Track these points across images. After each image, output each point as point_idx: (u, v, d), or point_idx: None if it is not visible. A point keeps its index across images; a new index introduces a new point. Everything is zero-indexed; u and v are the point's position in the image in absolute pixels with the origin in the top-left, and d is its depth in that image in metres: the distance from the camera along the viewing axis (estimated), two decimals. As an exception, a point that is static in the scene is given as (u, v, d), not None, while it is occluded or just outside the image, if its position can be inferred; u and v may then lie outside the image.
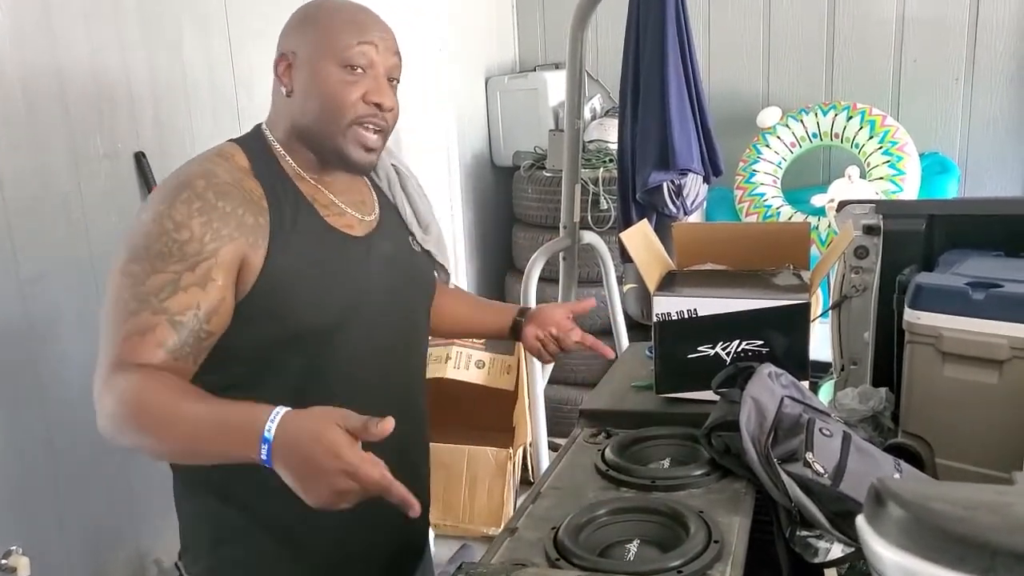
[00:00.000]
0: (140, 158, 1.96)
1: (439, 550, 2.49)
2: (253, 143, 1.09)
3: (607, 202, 3.07)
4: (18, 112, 1.70)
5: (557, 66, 3.65)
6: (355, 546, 1.13)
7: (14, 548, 1.69)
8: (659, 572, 0.81)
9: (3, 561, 1.69)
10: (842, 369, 1.66)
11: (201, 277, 0.96)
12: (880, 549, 0.42)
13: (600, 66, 3.67)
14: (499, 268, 3.74)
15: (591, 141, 3.38)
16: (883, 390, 1.40)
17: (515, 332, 1.36)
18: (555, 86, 3.52)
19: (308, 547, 1.12)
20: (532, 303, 2.58)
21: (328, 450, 0.81)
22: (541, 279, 2.66)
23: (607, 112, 3.58)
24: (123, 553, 2.00)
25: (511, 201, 3.57)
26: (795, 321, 1.17)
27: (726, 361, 1.18)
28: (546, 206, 3.29)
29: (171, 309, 0.95)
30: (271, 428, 0.83)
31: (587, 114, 3.49)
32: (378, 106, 1.06)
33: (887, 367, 1.43)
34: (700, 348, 1.20)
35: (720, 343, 1.19)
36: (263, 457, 0.83)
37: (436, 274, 1.27)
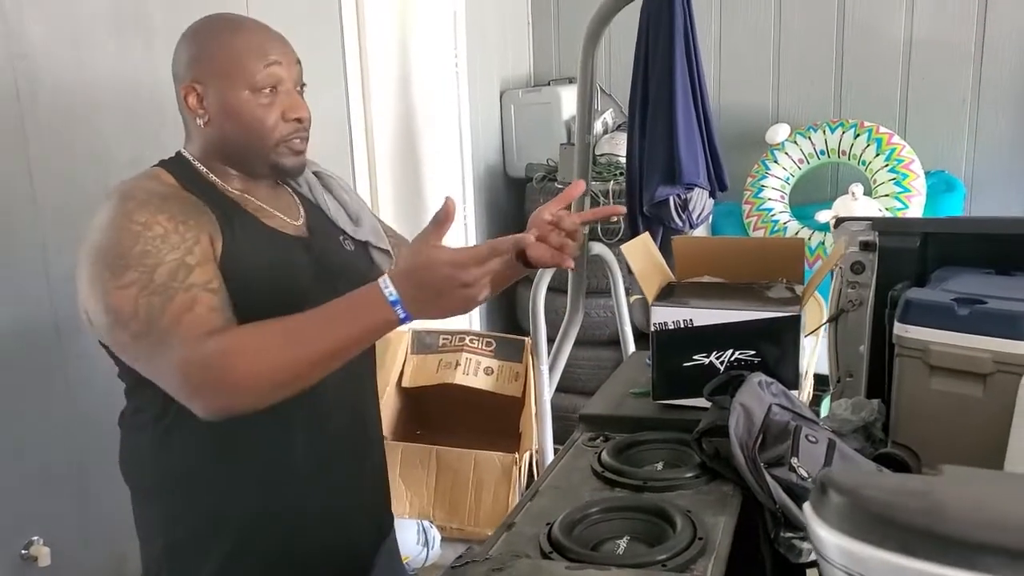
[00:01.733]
0: (164, 166, 2.05)
1: (445, 551, 2.54)
2: (175, 165, 1.12)
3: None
4: (50, 120, 1.78)
5: (570, 80, 3.72)
6: (307, 542, 1.16)
7: (35, 538, 1.77)
8: (644, 565, 0.86)
9: (24, 551, 1.76)
10: (838, 381, 1.71)
11: (202, 255, 0.99)
12: (822, 532, 0.47)
13: (613, 81, 3.74)
14: (510, 278, 3.80)
15: (602, 155, 3.44)
16: (875, 401, 1.45)
17: (520, 257, 1.22)
18: (568, 100, 3.59)
19: (261, 545, 1.14)
20: (540, 313, 2.64)
21: (445, 266, 0.89)
22: (550, 289, 2.72)
23: (618, 126, 3.64)
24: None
25: (523, 212, 3.64)
26: (786, 332, 1.22)
27: (720, 370, 1.23)
28: (557, 217, 3.34)
29: (198, 282, 0.96)
30: (388, 286, 0.91)
31: (599, 128, 3.55)
32: (298, 120, 1.11)
33: (881, 379, 1.47)
34: (695, 357, 1.25)
35: (714, 352, 1.24)
36: (401, 315, 0.91)
37: (376, 264, 1.26)
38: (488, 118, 3.73)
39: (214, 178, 1.12)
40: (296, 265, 1.11)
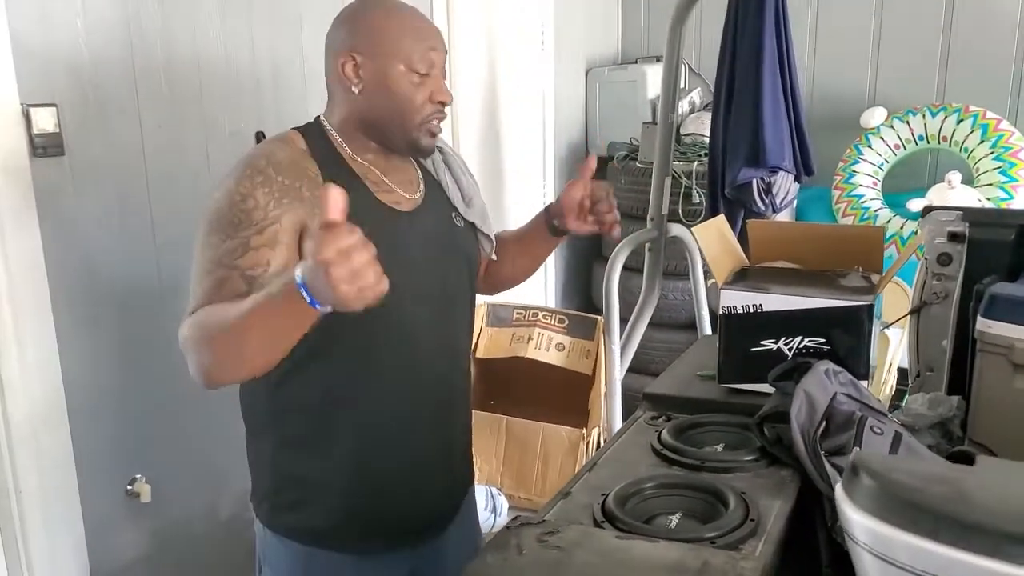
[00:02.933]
0: (260, 136, 2.16)
1: (512, 518, 2.61)
2: (311, 129, 1.21)
3: (699, 196, 3.08)
4: (162, 94, 1.91)
5: (658, 59, 3.66)
6: (401, 487, 1.25)
7: (138, 476, 1.94)
8: (693, 540, 0.88)
9: (129, 487, 1.93)
10: (917, 375, 1.65)
11: (269, 239, 1.07)
12: (851, 513, 0.48)
13: (702, 59, 3.66)
14: (587, 256, 3.81)
15: (687, 134, 3.39)
16: (955, 398, 1.40)
17: (557, 231, 1.37)
18: (654, 79, 3.54)
19: (361, 492, 1.24)
20: (614, 293, 2.64)
21: (315, 257, 0.86)
22: (626, 268, 2.71)
23: (706, 106, 3.57)
24: (232, 490, 2.21)
25: (603, 191, 3.62)
26: (857, 322, 1.20)
27: (788, 356, 1.22)
28: (639, 197, 3.32)
29: (243, 265, 1.06)
30: (299, 273, 0.89)
31: (685, 107, 3.49)
32: (442, 103, 1.19)
33: (963, 376, 1.42)
34: (763, 342, 1.24)
35: (783, 338, 1.23)
36: (309, 301, 0.90)
37: (480, 244, 1.35)
38: (572, 96, 3.73)
39: (344, 147, 1.20)
40: (400, 240, 1.17)
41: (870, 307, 1.21)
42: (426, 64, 1.17)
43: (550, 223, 1.37)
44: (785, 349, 1.24)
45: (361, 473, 1.23)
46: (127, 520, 1.94)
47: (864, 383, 1.19)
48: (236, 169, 1.12)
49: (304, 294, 0.89)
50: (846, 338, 1.21)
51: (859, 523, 0.48)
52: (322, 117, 1.23)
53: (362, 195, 1.17)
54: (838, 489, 0.53)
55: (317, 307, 0.90)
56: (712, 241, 1.37)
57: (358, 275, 0.86)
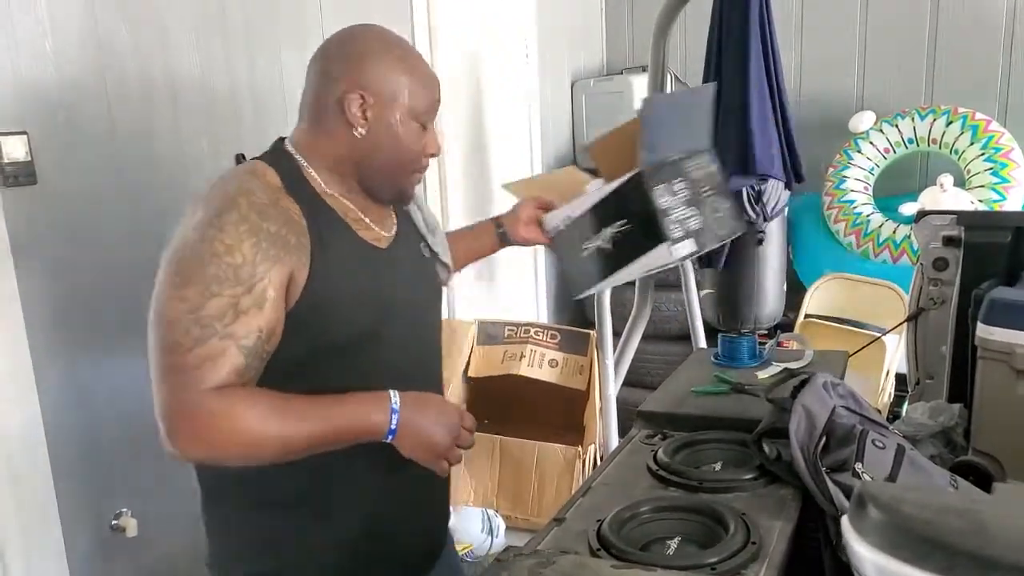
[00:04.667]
0: (240, 159, 2.12)
1: (509, 540, 2.56)
2: (281, 162, 1.10)
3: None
4: (136, 118, 1.88)
5: (644, 69, 3.65)
6: (384, 527, 1.18)
7: (124, 510, 1.88)
8: (693, 568, 0.85)
9: (114, 521, 1.88)
10: (917, 383, 1.62)
11: (258, 299, 0.99)
12: (859, 548, 0.45)
13: (687, 68, 3.65)
14: (579, 269, 3.78)
15: (675, 144, 3.37)
16: (956, 406, 1.37)
17: (505, 242, 1.49)
18: (641, 89, 3.52)
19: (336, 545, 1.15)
20: (606, 306, 2.61)
21: (451, 416, 1.10)
22: (618, 282, 2.68)
23: (693, 115, 3.55)
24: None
25: (593, 203, 3.60)
26: (639, 190, 1.24)
27: (611, 248, 1.29)
28: (628, 209, 3.30)
29: (237, 334, 0.97)
30: (395, 399, 1.05)
31: (672, 117, 3.47)
32: (433, 155, 1.18)
33: (964, 383, 1.39)
34: (585, 245, 1.32)
35: (596, 236, 1.30)
36: (392, 427, 1.04)
37: (439, 274, 1.32)
38: (559, 108, 3.71)
39: (320, 184, 1.11)
40: (383, 277, 1.14)
41: (640, 174, 1.24)
42: (430, 116, 1.15)
43: (499, 232, 1.47)
44: (605, 244, 1.29)
45: (341, 511, 1.15)
46: (112, 555, 1.88)
47: (856, 391, 1.15)
48: (214, 212, 1.01)
49: (388, 439, 1.06)
50: (636, 209, 1.24)
51: (868, 559, 0.45)
52: (289, 146, 1.13)
53: (345, 235, 1.11)
54: (845, 522, 0.49)
55: (387, 437, 1.06)
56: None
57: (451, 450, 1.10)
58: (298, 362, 1.05)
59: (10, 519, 1.64)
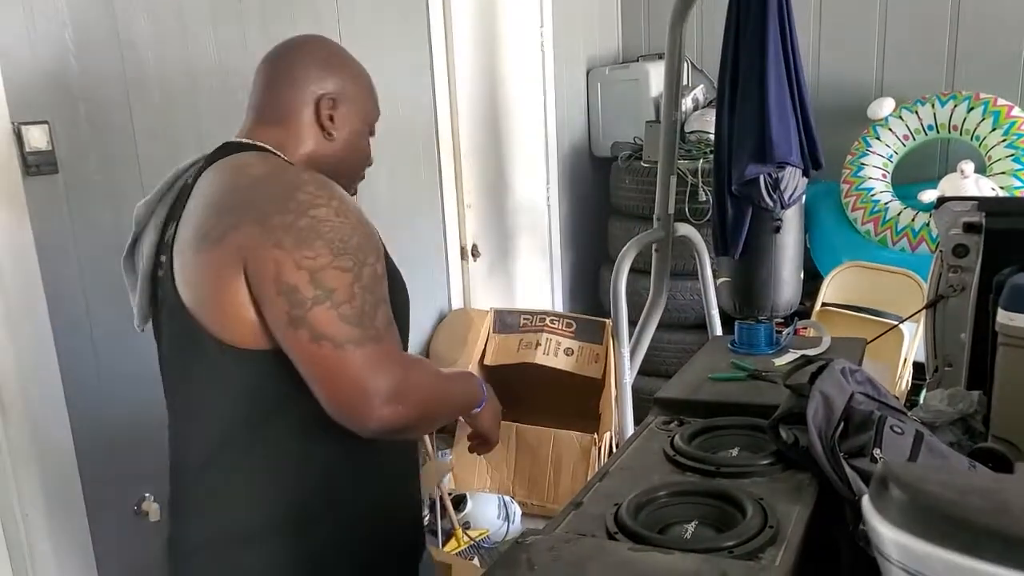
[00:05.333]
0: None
1: (524, 525, 2.58)
2: (270, 157, 1.10)
3: (705, 194, 3.04)
4: (155, 106, 1.90)
5: (660, 56, 3.63)
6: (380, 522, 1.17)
7: (147, 495, 1.91)
8: (711, 550, 0.85)
9: (137, 507, 1.91)
10: (935, 370, 1.61)
11: (383, 265, 1.02)
12: (880, 527, 0.45)
13: (704, 56, 3.62)
14: (594, 259, 3.77)
15: (692, 132, 3.35)
16: (975, 393, 1.36)
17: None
18: (657, 77, 3.50)
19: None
20: (622, 295, 2.61)
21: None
22: (635, 270, 2.67)
23: (709, 103, 3.53)
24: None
25: (608, 192, 3.59)
26: None
27: None
28: (643, 197, 3.29)
29: (387, 296, 1.01)
30: (479, 379, 1.22)
31: (689, 104, 3.45)
32: (369, 164, 1.24)
33: (983, 370, 1.38)
34: None
35: None
36: (483, 398, 1.21)
37: None
38: (574, 96, 3.70)
39: None
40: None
41: None
42: (373, 129, 1.22)
43: None
44: None
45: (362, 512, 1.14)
46: (136, 539, 1.92)
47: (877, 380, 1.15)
48: (325, 193, 1.00)
49: (477, 409, 1.21)
50: None
51: (891, 539, 0.45)
52: (255, 141, 1.11)
53: None
54: (865, 502, 0.49)
55: (474, 412, 1.22)
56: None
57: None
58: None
59: (36, 503, 1.68)
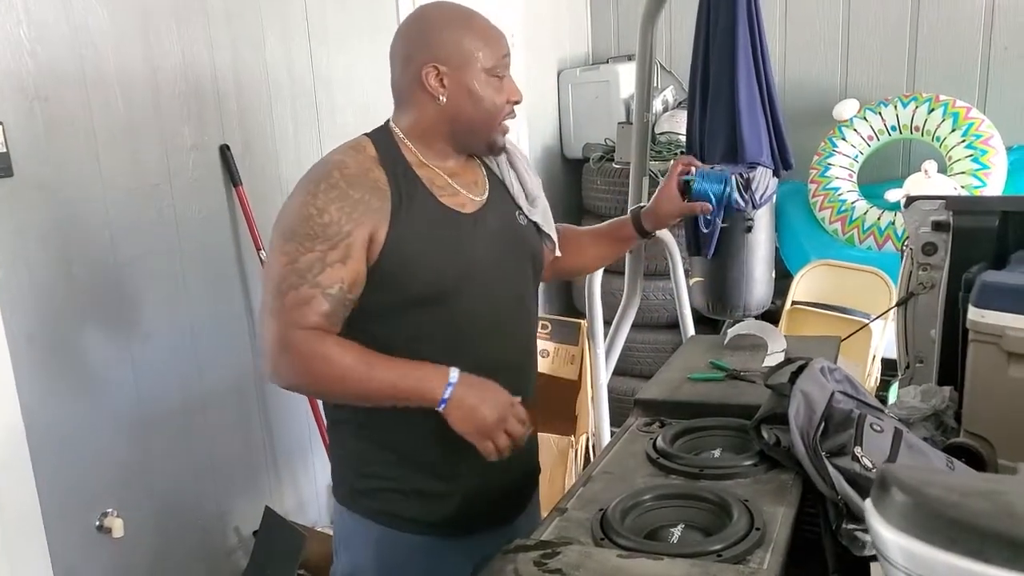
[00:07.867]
0: (225, 150, 2.09)
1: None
2: (381, 136, 1.26)
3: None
4: (117, 107, 1.84)
5: (630, 58, 3.64)
6: (482, 481, 1.27)
7: (110, 511, 1.85)
8: (698, 555, 0.84)
9: (99, 523, 1.85)
10: (907, 367, 1.63)
11: (342, 254, 1.15)
12: (883, 531, 0.44)
13: (673, 58, 3.65)
14: (566, 259, 3.77)
15: (662, 133, 3.37)
16: (947, 389, 1.38)
17: (646, 234, 1.53)
18: (627, 78, 3.52)
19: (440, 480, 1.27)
20: (596, 296, 2.61)
21: (503, 401, 1.16)
22: (607, 271, 2.67)
23: (679, 104, 3.55)
24: (205, 519, 2.14)
25: (580, 193, 3.59)
26: None
27: None
28: (615, 198, 3.30)
29: (323, 283, 1.14)
30: (454, 375, 1.14)
31: (659, 106, 3.47)
32: (517, 102, 1.28)
33: (954, 366, 1.40)
34: None
35: None
36: (444, 398, 1.13)
37: (543, 243, 1.40)
38: (545, 98, 3.69)
39: (415, 153, 1.25)
40: (464, 242, 1.24)
41: None
42: (503, 68, 1.25)
43: (639, 226, 1.51)
44: None
45: (444, 458, 1.25)
46: (99, 557, 1.85)
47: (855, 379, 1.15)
48: (312, 180, 1.18)
49: (440, 408, 1.14)
50: None
51: (893, 543, 0.44)
52: (392, 124, 1.28)
53: (427, 201, 1.23)
54: (867, 505, 0.49)
55: (443, 405, 1.14)
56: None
57: (496, 432, 1.15)
58: (388, 308, 1.20)
59: (-6, 522, 1.61)
